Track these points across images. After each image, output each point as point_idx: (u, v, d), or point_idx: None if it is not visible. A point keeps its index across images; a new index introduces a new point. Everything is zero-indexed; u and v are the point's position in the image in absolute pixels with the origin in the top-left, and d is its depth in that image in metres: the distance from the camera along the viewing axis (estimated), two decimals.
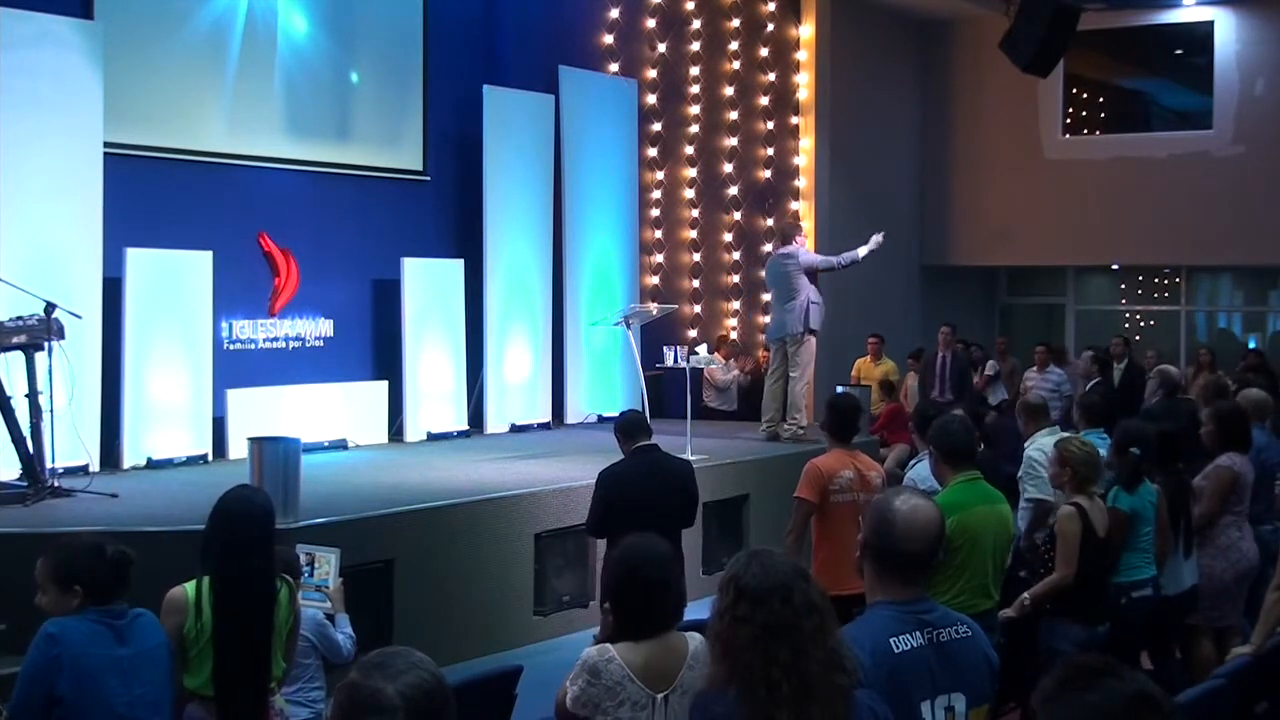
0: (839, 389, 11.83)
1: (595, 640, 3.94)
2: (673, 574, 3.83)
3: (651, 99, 14.25)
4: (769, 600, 2.74)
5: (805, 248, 11.15)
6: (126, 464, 9.54)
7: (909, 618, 3.07)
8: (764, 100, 15.73)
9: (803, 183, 16.20)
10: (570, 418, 12.77)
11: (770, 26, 15.75)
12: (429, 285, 11.63)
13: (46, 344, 8.18)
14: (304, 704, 5.12)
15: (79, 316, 8.55)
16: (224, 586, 4.31)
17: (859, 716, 2.75)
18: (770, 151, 15.80)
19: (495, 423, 12.07)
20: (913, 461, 7.28)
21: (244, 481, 5.39)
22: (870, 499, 6.02)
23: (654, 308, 11.27)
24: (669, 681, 3.69)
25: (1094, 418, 7.57)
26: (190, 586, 4.37)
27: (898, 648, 3.02)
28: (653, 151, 14.30)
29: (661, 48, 14.41)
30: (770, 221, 15.58)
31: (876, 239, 11.18)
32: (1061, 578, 5.73)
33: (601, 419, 12.42)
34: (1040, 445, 6.93)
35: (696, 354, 11.02)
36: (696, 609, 6.91)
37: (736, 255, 15.43)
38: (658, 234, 14.42)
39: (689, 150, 14.79)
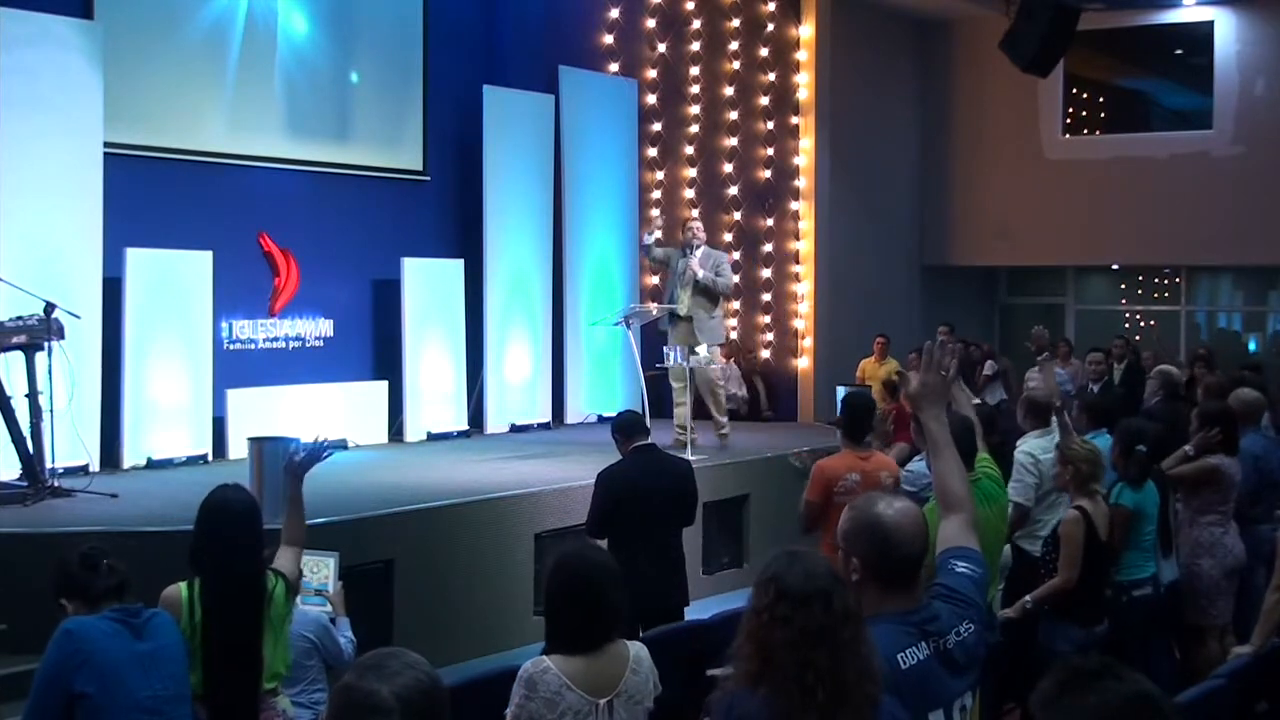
0: (840, 389, 11.84)
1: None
2: (611, 585, 3.75)
3: (651, 99, 14.25)
4: (810, 604, 2.69)
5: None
6: (126, 464, 9.54)
7: (913, 629, 2.99)
8: (764, 100, 15.70)
9: (803, 183, 16.16)
10: (570, 418, 12.77)
11: (770, 26, 15.72)
12: (429, 285, 11.63)
13: (46, 344, 8.19)
14: (307, 706, 5.12)
15: (79, 316, 8.55)
16: (210, 587, 4.35)
17: None
18: (770, 151, 15.77)
19: (495, 423, 12.07)
20: (914, 460, 7.24)
21: (245, 482, 5.38)
22: None
23: (654, 308, 11.25)
24: (611, 688, 3.67)
25: (1098, 419, 7.54)
26: (185, 586, 4.41)
27: (904, 663, 2.94)
28: (653, 151, 14.29)
29: (661, 48, 14.41)
30: (770, 221, 15.57)
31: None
32: (1064, 581, 5.75)
33: (601, 419, 12.41)
34: (1029, 448, 6.84)
35: (696, 354, 11.00)
36: (697, 609, 6.97)
37: (736, 255, 15.39)
38: (658, 234, 14.39)
39: (689, 150, 14.78)
